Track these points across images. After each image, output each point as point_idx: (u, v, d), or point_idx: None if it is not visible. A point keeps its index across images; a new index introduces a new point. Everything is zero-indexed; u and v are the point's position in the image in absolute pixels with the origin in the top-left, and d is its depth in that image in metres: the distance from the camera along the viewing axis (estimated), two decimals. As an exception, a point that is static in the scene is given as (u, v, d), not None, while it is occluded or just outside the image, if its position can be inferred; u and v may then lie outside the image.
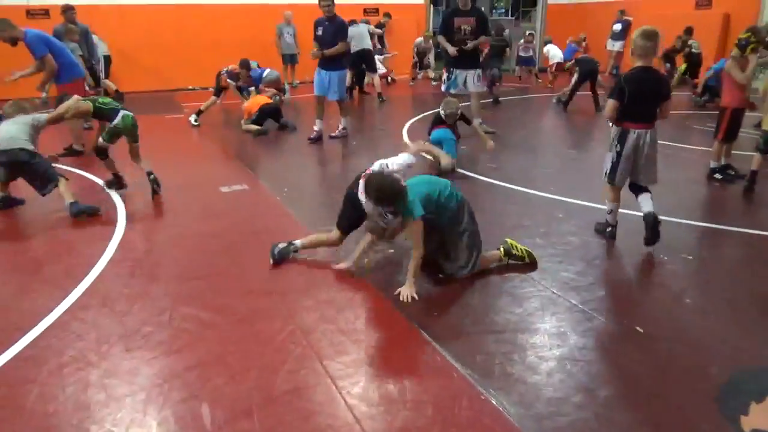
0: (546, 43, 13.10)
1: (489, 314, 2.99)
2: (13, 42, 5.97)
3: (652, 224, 3.67)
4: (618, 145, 3.76)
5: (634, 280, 3.39)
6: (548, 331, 2.81)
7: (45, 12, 11.11)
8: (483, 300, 3.14)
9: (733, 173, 5.42)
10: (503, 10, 18.56)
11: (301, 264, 3.61)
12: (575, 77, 9.63)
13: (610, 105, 3.72)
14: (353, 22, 10.51)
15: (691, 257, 3.70)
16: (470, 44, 6.64)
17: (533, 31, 14.00)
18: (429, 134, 6.07)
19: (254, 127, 7.86)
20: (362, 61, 10.25)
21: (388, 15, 13.62)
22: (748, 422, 2.16)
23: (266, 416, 2.20)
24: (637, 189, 3.87)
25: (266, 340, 2.74)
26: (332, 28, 6.79)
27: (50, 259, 3.75)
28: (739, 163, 5.57)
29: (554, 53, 12.57)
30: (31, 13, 11.13)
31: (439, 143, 5.87)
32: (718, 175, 5.39)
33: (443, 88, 7.31)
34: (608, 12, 14.34)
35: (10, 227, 4.39)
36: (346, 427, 2.14)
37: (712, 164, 5.43)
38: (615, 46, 13.85)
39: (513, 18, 17.75)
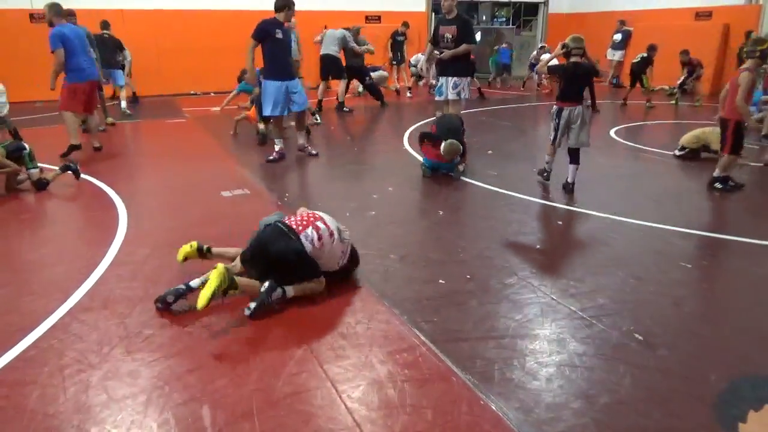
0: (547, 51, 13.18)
1: (489, 320, 3.00)
2: (50, 24, 6.39)
3: (569, 189, 5.27)
4: (556, 118, 5.25)
5: (633, 288, 3.40)
6: (548, 338, 2.82)
7: (49, 16, 11.15)
8: (483, 306, 3.15)
9: (733, 183, 5.44)
10: (504, 19, 18.64)
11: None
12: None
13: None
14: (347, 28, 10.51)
15: (690, 266, 3.72)
16: (446, 54, 6.44)
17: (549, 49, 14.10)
18: (419, 142, 6.03)
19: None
20: (329, 66, 10.14)
21: (406, 24, 13.57)
22: (747, 430, 2.18)
23: (267, 419, 2.20)
24: (571, 158, 5.24)
25: (267, 343, 2.75)
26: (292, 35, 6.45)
27: (52, 261, 3.75)
28: (737, 173, 5.60)
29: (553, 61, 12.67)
30: (34, 17, 11.17)
31: (438, 167, 5.87)
32: (718, 185, 5.41)
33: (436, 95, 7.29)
34: (608, 22, 14.44)
35: (11, 228, 4.40)
36: (346, 431, 2.15)
37: (716, 173, 5.44)
38: (615, 55, 13.93)
39: (514, 27, 17.82)
